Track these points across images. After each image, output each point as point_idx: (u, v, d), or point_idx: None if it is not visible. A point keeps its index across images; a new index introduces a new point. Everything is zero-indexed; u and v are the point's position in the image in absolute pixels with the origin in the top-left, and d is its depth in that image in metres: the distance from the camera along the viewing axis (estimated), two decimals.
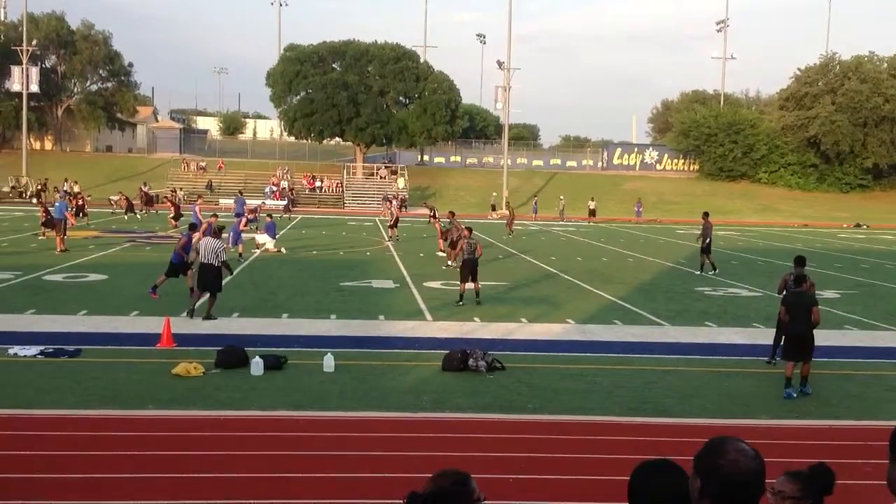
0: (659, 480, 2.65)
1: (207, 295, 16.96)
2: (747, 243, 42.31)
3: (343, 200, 67.63)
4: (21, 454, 8.83)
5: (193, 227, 20.59)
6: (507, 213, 46.91)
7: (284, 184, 66.19)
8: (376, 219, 51.65)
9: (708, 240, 27.51)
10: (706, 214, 28.61)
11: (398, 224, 37.99)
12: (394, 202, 47.70)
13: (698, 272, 27.48)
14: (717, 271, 27.12)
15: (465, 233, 20.65)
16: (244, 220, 30.91)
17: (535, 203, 61.37)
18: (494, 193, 67.26)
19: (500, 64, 70.59)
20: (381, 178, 73.03)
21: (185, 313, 16.77)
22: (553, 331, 16.93)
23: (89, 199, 49.67)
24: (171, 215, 40.43)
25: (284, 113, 75.03)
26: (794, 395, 12.10)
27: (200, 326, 16.05)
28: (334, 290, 21.34)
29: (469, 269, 19.52)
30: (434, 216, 35.07)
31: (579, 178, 79.41)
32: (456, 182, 75.68)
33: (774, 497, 2.99)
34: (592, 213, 58.10)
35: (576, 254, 33.74)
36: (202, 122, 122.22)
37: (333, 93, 71.56)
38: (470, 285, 19.63)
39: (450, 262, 26.87)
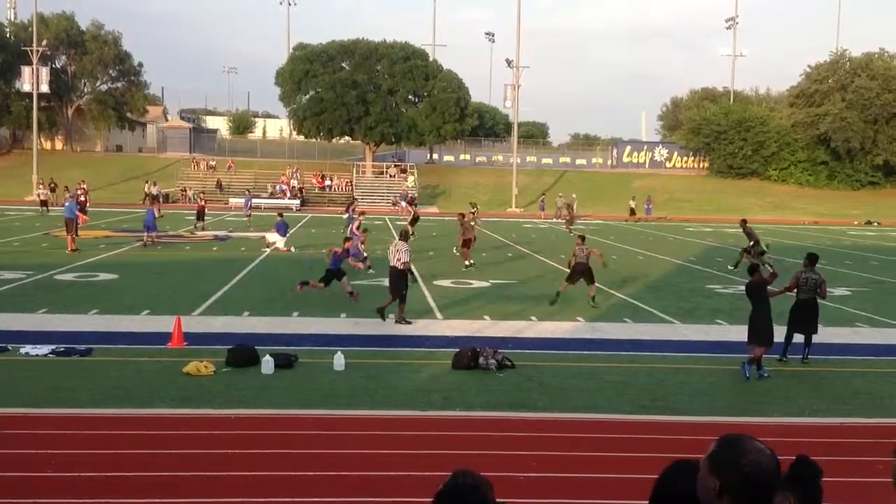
0: (686, 481, 2.63)
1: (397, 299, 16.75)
2: None
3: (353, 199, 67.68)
4: (32, 453, 8.86)
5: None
6: (566, 212, 47.56)
7: (294, 182, 66.31)
8: (386, 217, 51.63)
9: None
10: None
11: (417, 222, 37.25)
12: (403, 203, 47.56)
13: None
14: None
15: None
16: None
17: (543, 201, 61.15)
18: (561, 194, 61.40)
19: (509, 62, 70.55)
20: (390, 176, 73.03)
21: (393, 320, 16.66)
22: (563, 329, 16.91)
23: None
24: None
25: (294, 112, 75.03)
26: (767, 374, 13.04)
27: (211, 325, 16.09)
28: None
29: (579, 273, 19.60)
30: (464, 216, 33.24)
31: (589, 175, 79.25)
32: (465, 180, 75.62)
33: None
34: (633, 211, 57.17)
35: None
36: (212, 122, 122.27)
37: (343, 92, 71.52)
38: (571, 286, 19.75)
39: (467, 263, 26.55)
